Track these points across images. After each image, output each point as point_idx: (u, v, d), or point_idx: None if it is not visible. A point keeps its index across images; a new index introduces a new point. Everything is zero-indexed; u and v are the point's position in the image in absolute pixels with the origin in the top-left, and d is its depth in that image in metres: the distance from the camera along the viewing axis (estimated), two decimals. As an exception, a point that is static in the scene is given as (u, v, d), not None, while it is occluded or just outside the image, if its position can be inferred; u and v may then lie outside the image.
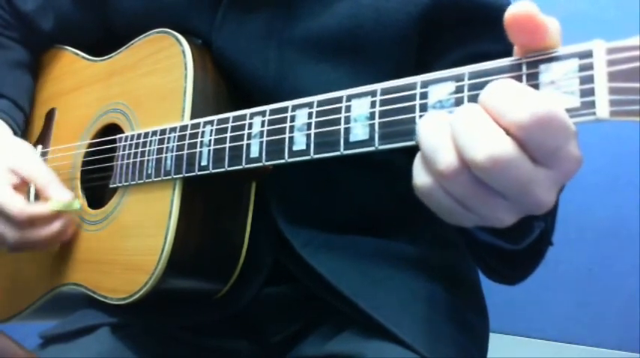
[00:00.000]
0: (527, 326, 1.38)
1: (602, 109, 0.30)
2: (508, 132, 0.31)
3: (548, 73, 0.32)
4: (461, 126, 0.32)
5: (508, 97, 0.31)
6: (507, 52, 0.54)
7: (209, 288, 0.60)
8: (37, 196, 0.64)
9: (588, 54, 0.31)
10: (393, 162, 0.61)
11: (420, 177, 0.35)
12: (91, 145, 0.67)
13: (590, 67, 0.31)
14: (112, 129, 0.65)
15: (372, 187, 0.62)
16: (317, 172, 0.58)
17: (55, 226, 0.61)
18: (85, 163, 0.67)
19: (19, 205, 0.59)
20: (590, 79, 0.30)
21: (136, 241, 0.57)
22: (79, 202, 0.63)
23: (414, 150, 0.60)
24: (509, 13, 0.32)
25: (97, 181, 0.67)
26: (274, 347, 0.64)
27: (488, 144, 0.31)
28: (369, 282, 0.58)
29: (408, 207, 0.64)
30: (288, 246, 0.58)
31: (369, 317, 0.55)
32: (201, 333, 0.65)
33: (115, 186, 0.61)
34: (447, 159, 0.32)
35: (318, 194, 0.60)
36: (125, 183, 0.60)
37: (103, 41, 0.72)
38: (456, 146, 0.32)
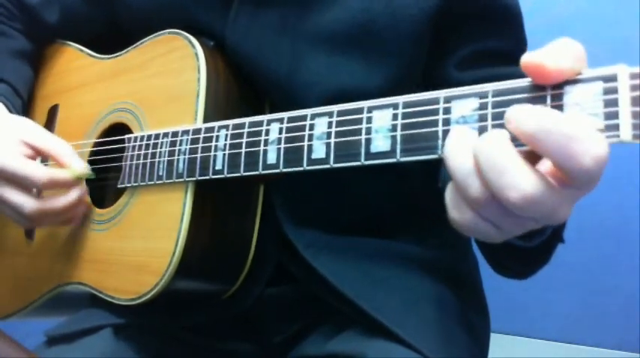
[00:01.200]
0: (527, 326, 1.39)
1: (626, 132, 0.31)
2: (564, 172, 0.32)
3: (572, 94, 0.33)
4: (487, 159, 0.33)
5: (570, 138, 0.31)
6: (515, 49, 0.55)
7: (217, 289, 0.60)
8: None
9: (613, 78, 0.32)
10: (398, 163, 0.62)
11: (456, 208, 0.36)
12: (97, 144, 0.66)
13: (614, 90, 0.32)
14: (118, 128, 0.65)
15: (378, 189, 0.62)
16: (322, 174, 0.58)
17: (74, 194, 0.60)
18: (90, 162, 0.67)
19: (41, 169, 0.58)
20: (614, 103, 0.32)
21: (145, 242, 0.57)
22: (93, 172, 0.63)
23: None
24: (522, 62, 0.34)
25: (102, 181, 0.66)
26: (276, 347, 0.65)
27: (520, 183, 0.32)
28: (371, 283, 0.58)
29: (412, 209, 0.65)
30: (291, 247, 0.59)
31: (371, 318, 0.56)
32: (204, 334, 0.65)
33: (123, 186, 0.61)
34: (477, 188, 0.34)
35: (323, 195, 0.60)
36: (134, 184, 0.59)
37: (106, 37, 0.71)
38: (484, 179, 0.33)
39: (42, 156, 0.62)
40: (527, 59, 0.33)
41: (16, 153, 0.59)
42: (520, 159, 0.32)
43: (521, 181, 0.32)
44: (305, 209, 0.60)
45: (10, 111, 0.68)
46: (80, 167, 0.60)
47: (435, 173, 0.54)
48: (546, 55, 0.33)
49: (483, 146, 0.33)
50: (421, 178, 0.64)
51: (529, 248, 0.47)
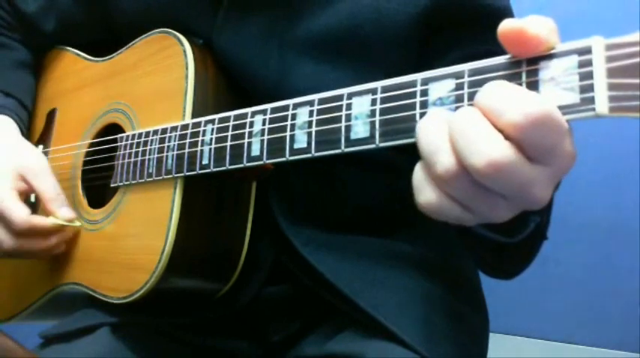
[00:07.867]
0: (527, 326, 1.38)
1: (602, 105, 0.30)
2: (505, 134, 0.31)
3: (547, 69, 0.32)
4: (458, 129, 0.32)
5: (503, 99, 0.31)
6: (505, 52, 0.54)
7: (209, 288, 0.60)
8: (37, 200, 0.65)
9: (587, 50, 0.31)
10: (394, 161, 0.61)
11: (422, 189, 0.35)
12: (92, 145, 0.67)
13: (589, 63, 0.31)
14: (113, 128, 0.65)
15: (373, 187, 0.62)
16: (319, 172, 0.58)
17: (52, 241, 0.62)
18: (85, 163, 0.67)
19: (23, 214, 0.60)
20: (589, 76, 0.31)
21: (136, 240, 0.57)
22: (79, 222, 0.65)
23: (415, 149, 0.60)
24: (501, 28, 0.33)
25: (98, 181, 0.67)
26: (275, 346, 0.64)
27: (487, 149, 0.31)
28: (369, 281, 0.58)
29: (409, 207, 0.64)
30: (289, 245, 0.58)
31: (368, 317, 0.55)
32: (202, 333, 0.65)
33: (115, 185, 0.61)
34: (445, 163, 0.33)
35: (319, 193, 0.60)
36: (126, 183, 0.60)
37: (104, 42, 0.72)
38: (455, 150, 0.32)
39: (34, 194, 0.65)
40: (506, 25, 0.32)
41: (9, 187, 0.61)
42: (491, 128, 0.32)
43: (487, 148, 0.31)
44: (301, 207, 0.60)
45: (19, 127, 0.70)
46: (65, 215, 0.62)
47: None
48: (525, 22, 0.32)
49: (457, 117, 0.33)
50: None
51: (512, 244, 0.46)
